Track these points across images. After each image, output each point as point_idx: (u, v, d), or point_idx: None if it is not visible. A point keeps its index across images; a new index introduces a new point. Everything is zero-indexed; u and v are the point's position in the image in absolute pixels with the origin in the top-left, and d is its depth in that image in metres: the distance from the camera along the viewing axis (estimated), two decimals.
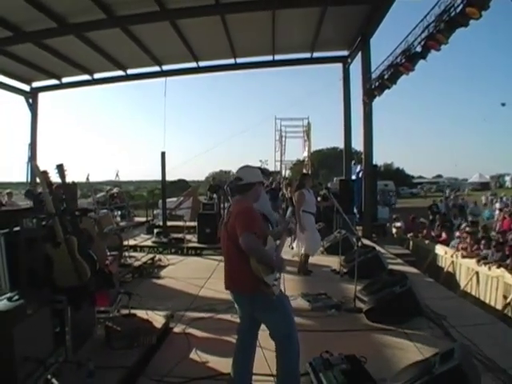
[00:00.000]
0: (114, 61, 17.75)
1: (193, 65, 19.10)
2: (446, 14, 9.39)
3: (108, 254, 7.50)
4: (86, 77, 19.70)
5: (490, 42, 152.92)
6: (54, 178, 5.13)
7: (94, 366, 4.35)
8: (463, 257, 12.40)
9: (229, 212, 4.28)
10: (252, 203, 4.29)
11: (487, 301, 10.72)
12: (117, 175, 19.95)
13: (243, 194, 4.33)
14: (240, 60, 18.95)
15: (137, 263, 10.34)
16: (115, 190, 19.29)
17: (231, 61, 18.83)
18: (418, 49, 10.95)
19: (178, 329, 6.28)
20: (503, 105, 54.18)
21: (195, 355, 5.35)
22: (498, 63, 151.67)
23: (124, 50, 16.71)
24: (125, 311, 6.09)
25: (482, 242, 12.25)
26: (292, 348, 4.01)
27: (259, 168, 7.84)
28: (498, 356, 5.13)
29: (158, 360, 5.17)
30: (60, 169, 5.12)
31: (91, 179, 14.45)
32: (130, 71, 19.54)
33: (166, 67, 19.27)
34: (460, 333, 5.99)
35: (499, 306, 10.13)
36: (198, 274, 9.59)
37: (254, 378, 4.36)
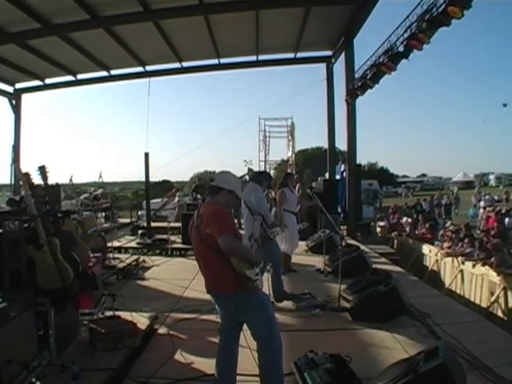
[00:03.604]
0: (97, 61, 17.60)
1: (176, 65, 19.03)
2: (429, 14, 9.45)
3: (91, 255, 7.46)
4: (70, 77, 19.51)
5: (476, 40, 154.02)
6: (37, 179, 5.10)
7: (79, 368, 4.32)
8: (448, 255, 12.48)
9: (199, 215, 4.25)
10: (220, 206, 4.23)
11: (472, 299, 10.81)
12: (100, 176, 19.80)
13: (212, 195, 4.37)
14: (224, 60, 18.89)
15: (121, 265, 10.30)
16: (99, 191, 19.15)
17: (215, 61, 18.76)
18: (401, 48, 10.97)
19: (162, 330, 6.28)
20: (505, 105, 53.04)
21: (180, 356, 5.36)
22: (483, 61, 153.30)
23: (107, 51, 16.59)
24: (109, 313, 6.05)
25: (466, 240, 12.35)
26: (274, 347, 4.02)
27: (261, 173, 8.04)
28: (483, 354, 5.18)
29: (142, 361, 5.16)
30: (42, 170, 5.10)
31: (75, 180, 14.33)
32: (114, 72, 19.38)
33: (149, 68, 19.16)
34: (445, 331, 6.04)
35: (484, 304, 10.22)
36: (182, 275, 9.56)
37: (240, 378, 4.36)
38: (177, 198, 21.05)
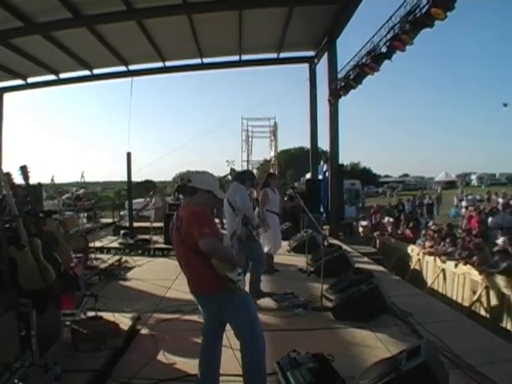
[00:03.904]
0: (80, 60, 17.48)
1: (159, 65, 18.99)
2: (412, 15, 9.49)
3: (73, 256, 7.41)
4: (52, 77, 19.35)
5: (462, 40, 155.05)
6: (18, 179, 5.06)
7: (61, 369, 4.29)
8: (430, 254, 12.57)
9: (178, 217, 4.21)
10: (200, 207, 4.17)
11: (454, 297, 10.90)
12: (82, 176, 19.69)
13: (190, 196, 4.32)
14: (207, 60, 18.91)
15: (103, 265, 10.26)
16: (81, 191, 19.02)
17: (198, 61, 18.76)
18: (384, 49, 11.00)
19: (144, 330, 6.26)
20: (505, 105, 52.40)
21: (162, 357, 5.34)
22: (469, 61, 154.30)
23: (90, 50, 16.48)
24: (91, 313, 6.02)
25: (448, 239, 12.44)
26: (257, 346, 4.03)
27: (244, 172, 8.16)
28: (465, 352, 5.23)
29: (125, 362, 5.14)
30: (23, 170, 5.06)
31: (57, 180, 14.22)
32: (96, 71, 19.27)
33: (132, 67, 19.07)
34: (427, 330, 6.08)
35: (466, 303, 10.31)
36: (164, 275, 9.51)
37: (223, 378, 4.38)
38: (154, 200, 20.83)
